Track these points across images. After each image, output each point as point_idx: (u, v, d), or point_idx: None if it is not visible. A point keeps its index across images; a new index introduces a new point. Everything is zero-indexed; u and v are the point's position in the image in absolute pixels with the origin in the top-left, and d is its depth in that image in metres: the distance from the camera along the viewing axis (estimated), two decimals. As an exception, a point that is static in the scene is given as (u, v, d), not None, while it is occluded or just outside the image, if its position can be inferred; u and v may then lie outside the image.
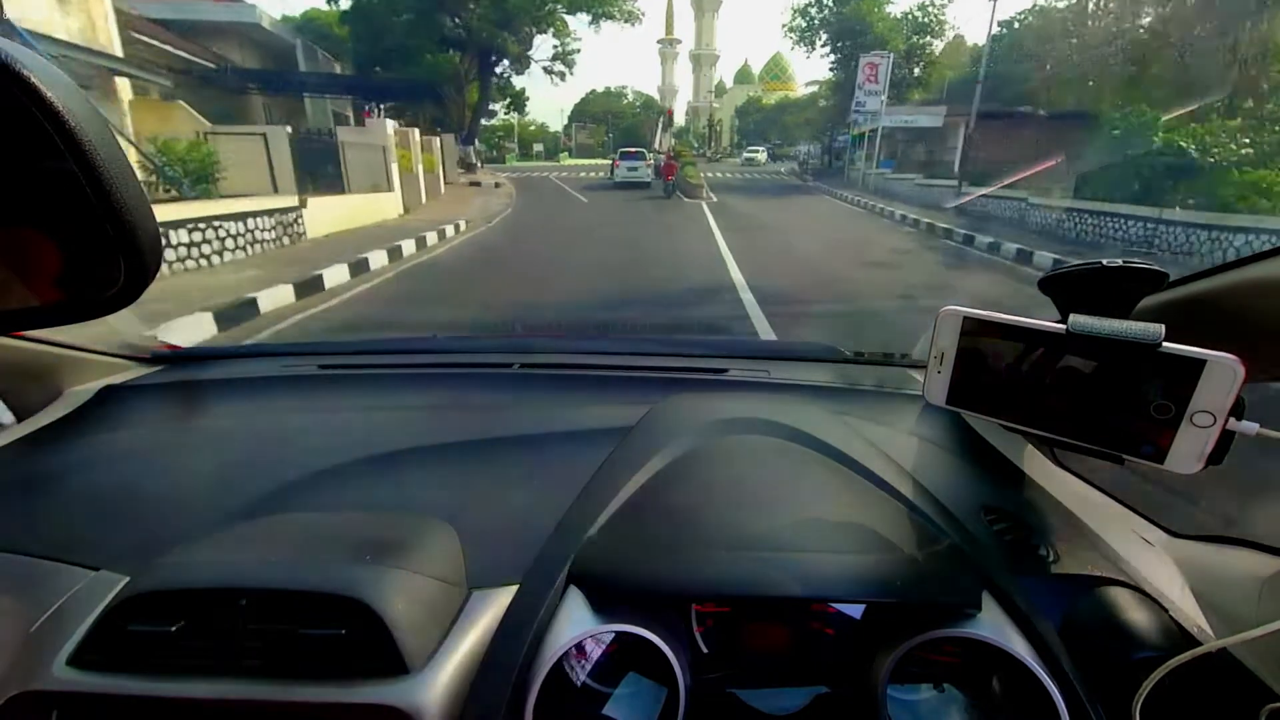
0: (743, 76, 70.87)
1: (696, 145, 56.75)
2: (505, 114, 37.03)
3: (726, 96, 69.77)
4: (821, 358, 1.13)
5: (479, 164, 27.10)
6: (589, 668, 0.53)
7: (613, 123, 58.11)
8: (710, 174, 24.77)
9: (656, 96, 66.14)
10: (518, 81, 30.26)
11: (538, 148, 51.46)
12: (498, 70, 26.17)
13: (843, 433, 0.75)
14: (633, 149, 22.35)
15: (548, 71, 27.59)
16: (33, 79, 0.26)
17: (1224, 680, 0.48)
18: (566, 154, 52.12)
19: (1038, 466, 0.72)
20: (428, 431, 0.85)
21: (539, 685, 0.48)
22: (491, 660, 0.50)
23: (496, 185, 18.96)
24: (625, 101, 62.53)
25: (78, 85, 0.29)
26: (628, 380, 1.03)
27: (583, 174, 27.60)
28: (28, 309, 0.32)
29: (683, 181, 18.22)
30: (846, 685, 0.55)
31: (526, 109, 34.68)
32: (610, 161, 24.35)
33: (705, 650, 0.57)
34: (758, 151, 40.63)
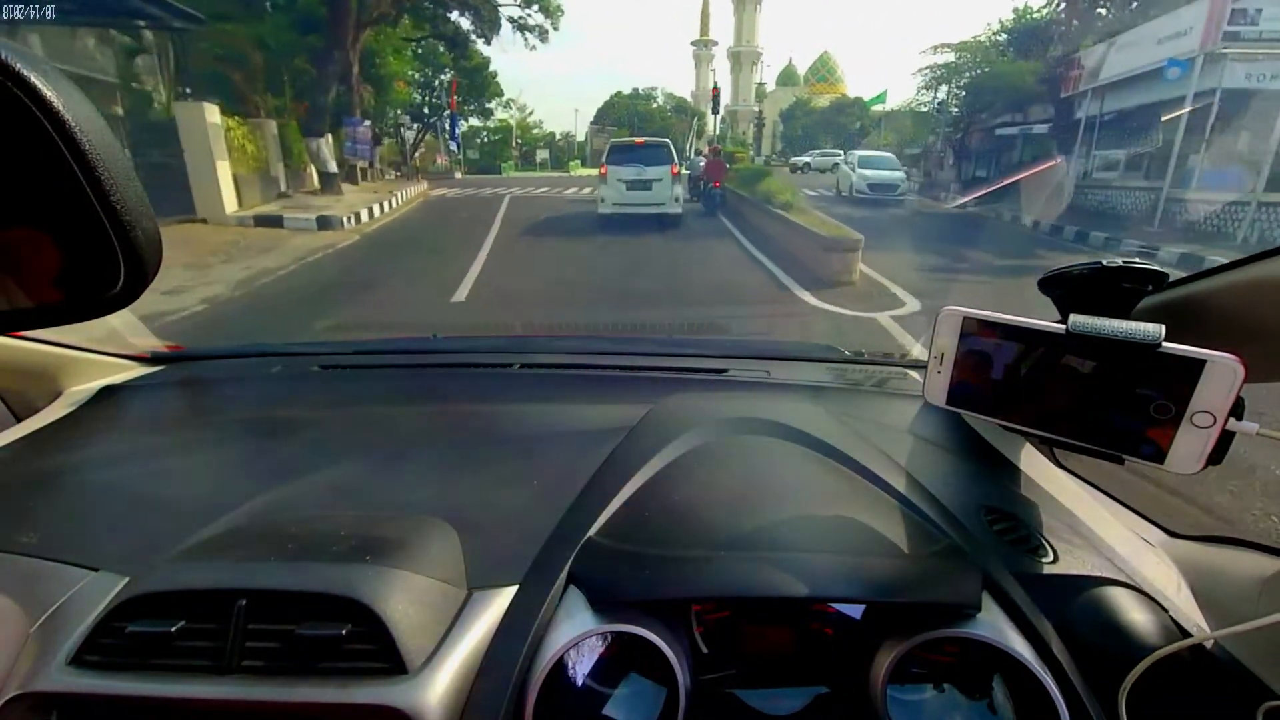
0: (787, 77, 64.35)
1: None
2: (498, 110, 29.65)
3: (768, 99, 63.78)
4: (821, 358, 1.13)
5: (396, 170, 20.02)
6: (589, 668, 0.53)
7: (639, 126, 46.89)
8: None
9: (690, 100, 59.92)
10: (484, 55, 21.59)
11: (542, 155, 41.82)
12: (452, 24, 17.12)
13: (843, 432, 0.75)
14: (639, 140, 10.59)
15: (519, 27, 18.15)
16: (33, 79, 0.27)
17: (1222, 678, 0.48)
18: (578, 163, 42.42)
19: (1037, 466, 0.72)
20: (428, 431, 0.85)
21: (539, 685, 0.48)
22: (491, 660, 0.50)
23: (320, 223, 9.18)
24: (654, 105, 54.37)
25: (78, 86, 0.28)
26: (628, 380, 1.03)
27: (571, 189, 17.93)
28: (28, 309, 0.32)
29: (785, 231, 7.52)
30: (846, 685, 0.55)
31: (497, 96, 26.74)
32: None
33: (705, 650, 0.57)
34: (882, 169, 15.33)
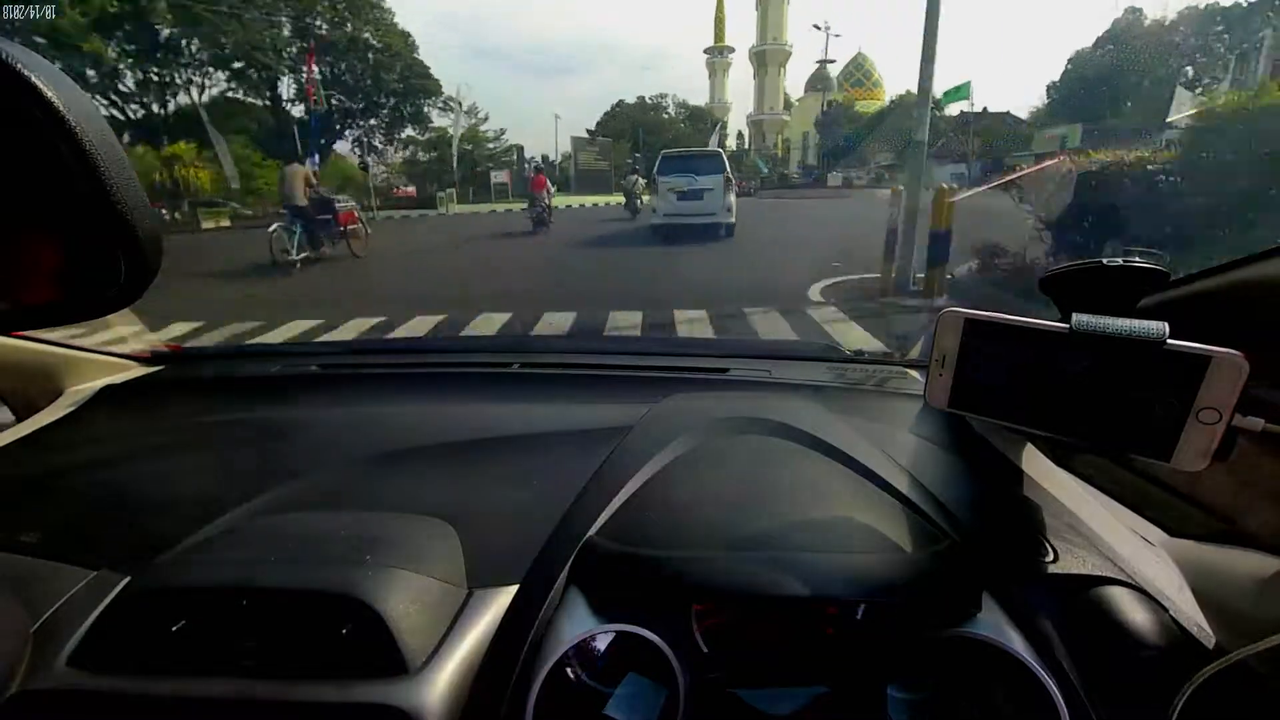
0: (817, 81, 53.56)
1: (765, 169, 40.60)
2: (435, 116, 20.19)
3: (797, 107, 53.09)
4: (822, 357, 1.13)
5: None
6: (589, 668, 0.53)
7: (645, 139, 38.35)
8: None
9: (704, 106, 51.00)
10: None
11: (499, 177, 26.68)
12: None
13: (843, 432, 0.75)
14: (691, 151, 11.12)
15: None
16: (33, 79, 0.27)
17: (1239, 686, 0.48)
18: (554, 188, 21.01)
19: (1038, 466, 0.72)
20: (428, 431, 0.85)
21: (539, 685, 0.48)
22: (491, 660, 0.50)
23: None
24: (665, 115, 46.72)
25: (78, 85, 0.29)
26: (628, 380, 1.03)
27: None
28: (28, 309, 0.32)
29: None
30: (846, 685, 0.55)
31: (434, 93, 19.03)
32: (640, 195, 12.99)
33: (705, 650, 0.57)
34: None
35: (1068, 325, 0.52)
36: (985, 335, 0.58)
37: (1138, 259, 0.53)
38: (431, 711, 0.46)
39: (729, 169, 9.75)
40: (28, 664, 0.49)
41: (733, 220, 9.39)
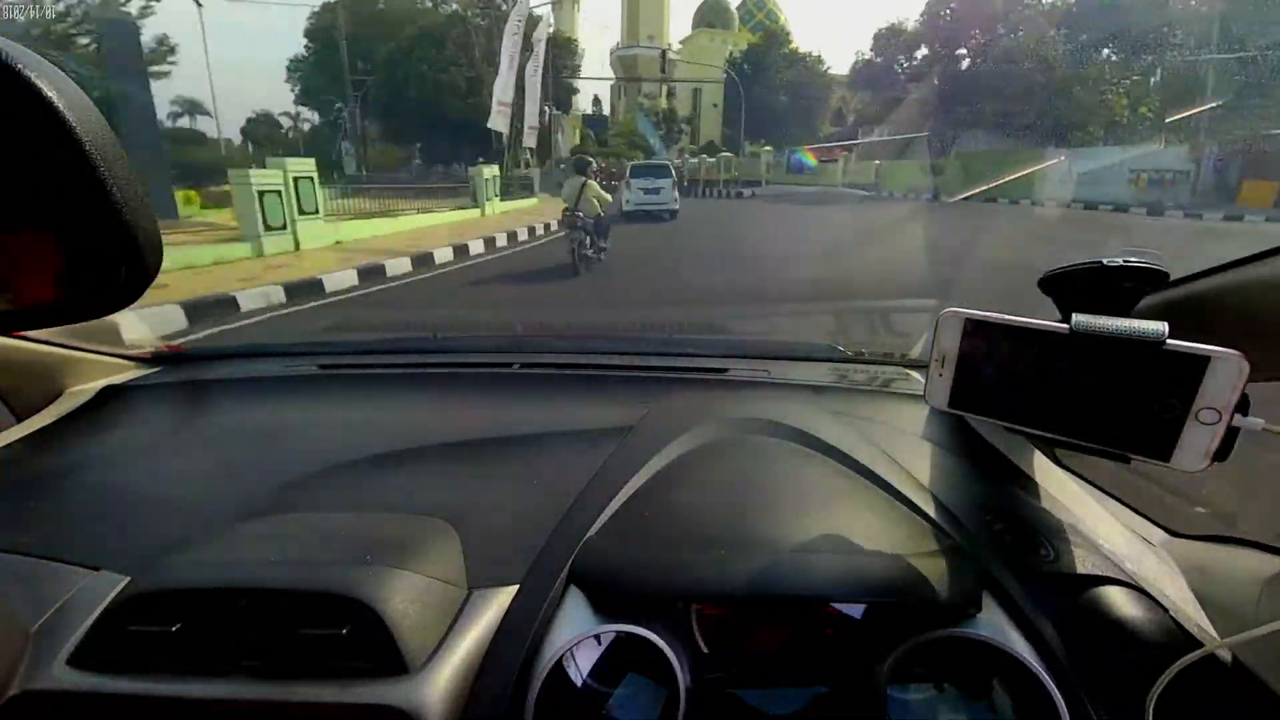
0: (712, 15, 37.93)
1: (657, 141, 28.45)
2: None
3: (686, 47, 37.81)
4: (822, 357, 1.13)
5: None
6: (589, 668, 0.53)
7: (368, 48, 22.10)
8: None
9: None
10: None
11: None
12: None
13: (843, 432, 0.75)
14: (649, 164, 15.21)
15: None
16: (33, 78, 0.27)
17: (1228, 682, 0.48)
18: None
19: (1038, 466, 0.72)
20: (428, 431, 0.85)
21: (539, 685, 0.48)
22: (491, 660, 0.50)
23: None
24: (432, 8, 26.28)
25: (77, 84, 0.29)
26: (628, 380, 1.03)
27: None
28: (28, 309, 0.32)
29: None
30: (846, 685, 0.55)
31: None
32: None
33: (706, 650, 0.57)
34: None
35: (1067, 325, 0.52)
36: (985, 335, 0.58)
37: (1136, 260, 0.53)
38: (431, 711, 0.46)
39: (675, 174, 14.26)
40: (28, 664, 0.49)
41: (677, 207, 13.63)
